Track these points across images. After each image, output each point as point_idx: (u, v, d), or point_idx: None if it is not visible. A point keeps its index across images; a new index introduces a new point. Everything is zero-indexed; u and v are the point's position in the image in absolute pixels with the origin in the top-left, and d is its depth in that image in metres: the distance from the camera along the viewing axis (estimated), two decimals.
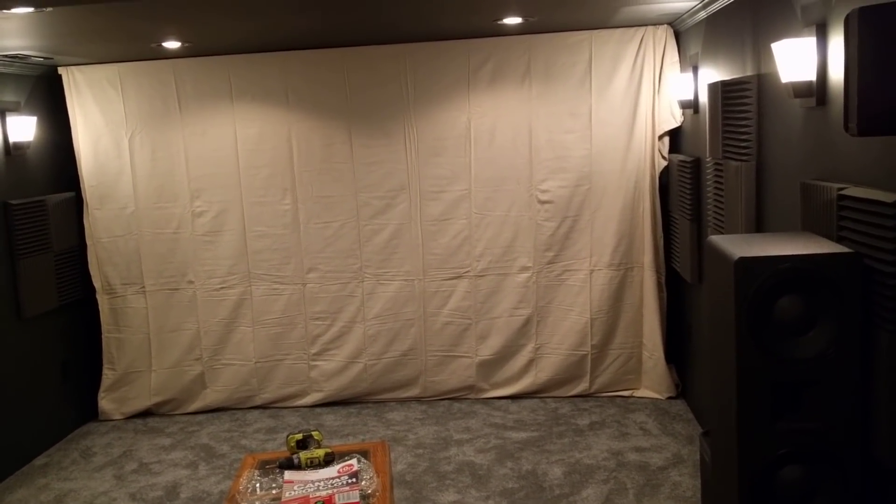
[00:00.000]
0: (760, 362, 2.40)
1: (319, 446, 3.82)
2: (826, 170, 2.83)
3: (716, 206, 4.22)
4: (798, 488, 2.45)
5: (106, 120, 5.71)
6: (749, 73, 3.73)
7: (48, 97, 5.65)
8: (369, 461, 3.63)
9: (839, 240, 2.57)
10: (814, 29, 2.84)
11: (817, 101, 2.86)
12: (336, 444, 5.18)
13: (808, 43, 2.84)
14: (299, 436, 3.85)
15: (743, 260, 2.40)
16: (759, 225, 3.63)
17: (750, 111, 3.65)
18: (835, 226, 2.60)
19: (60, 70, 5.64)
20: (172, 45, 4.99)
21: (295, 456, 3.71)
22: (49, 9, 3.56)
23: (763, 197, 3.58)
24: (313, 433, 3.86)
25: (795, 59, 2.88)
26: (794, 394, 2.43)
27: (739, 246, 2.54)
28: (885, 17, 2.03)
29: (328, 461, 3.66)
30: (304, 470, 3.58)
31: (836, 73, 2.70)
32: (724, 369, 2.60)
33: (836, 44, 2.69)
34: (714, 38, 4.46)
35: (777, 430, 2.43)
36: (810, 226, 2.84)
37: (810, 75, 2.86)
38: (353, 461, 3.59)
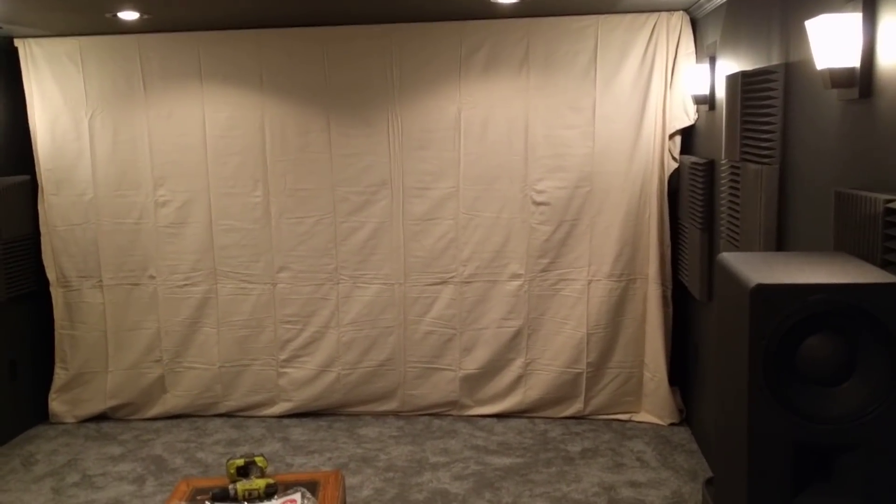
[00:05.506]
0: (780, 420, 1.89)
1: (263, 475, 3.37)
2: (869, 177, 2.34)
3: (730, 214, 3.72)
4: None
5: (65, 98, 5.27)
6: (775, 61, 3.21)
7: (2, 72, 5.23)
8: (316, 497, 3.15)
9: (885, 265, 2.08)
10: (859, 4, 2.32)
11: (860, 93, 2.36)
12: (298, 461, 4.77)
13: (852, 19, 2.32)
14: (241, 461, 3.42)
15: (761, 288, 1.89)
16: (780, 240, 3.13)
17: (775, 106, 3.14)
18: (880, 247, 2.11)
19: (17, 42, 5.22)
20: (129, 15, 4.51)
21: (232, 486, 3.26)
22: None
23: (787, 207, 3.08)
24: (256, 459, 3.42)
25: (835, 39, 2.36)
26: (823, 461, 1.92)
27: (757, 268, 2.03)
28: None
29: (269, 494, 3.22)
30: (240, 503, 3.12)
31: (887, 59, 2.19)
32: (734, 422, 2.09)
33: (889, 22, 2.18)
34: (735, 25, 3.95)
35: None
36: (846, 245, 2.33)
37: (853, 61, 2.35)
38: (297, 496, 3.12)
